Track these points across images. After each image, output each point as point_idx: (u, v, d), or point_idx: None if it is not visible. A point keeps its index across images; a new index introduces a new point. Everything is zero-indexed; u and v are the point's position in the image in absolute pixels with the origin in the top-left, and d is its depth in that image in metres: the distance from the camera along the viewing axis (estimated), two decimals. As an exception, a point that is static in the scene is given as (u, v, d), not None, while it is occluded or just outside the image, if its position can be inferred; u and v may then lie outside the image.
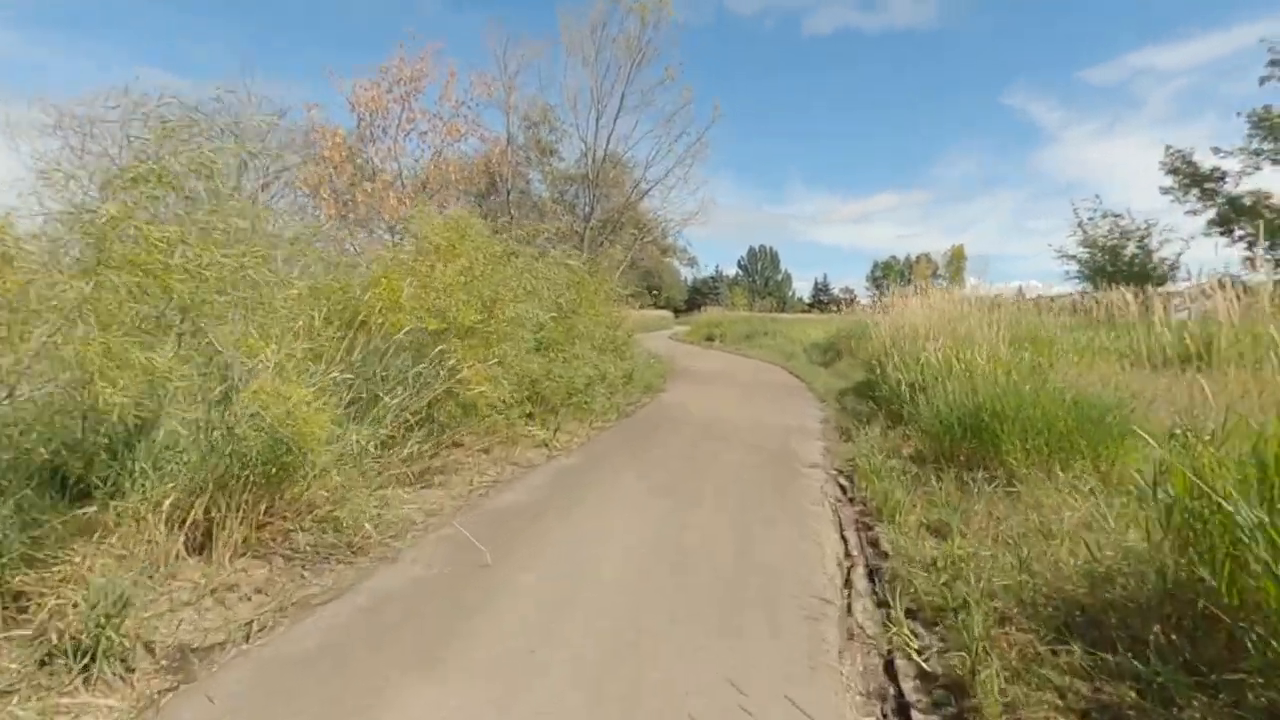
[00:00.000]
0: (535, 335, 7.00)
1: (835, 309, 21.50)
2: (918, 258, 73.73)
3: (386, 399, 4.36)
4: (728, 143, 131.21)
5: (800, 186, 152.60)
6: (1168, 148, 13.99)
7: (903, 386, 6.65)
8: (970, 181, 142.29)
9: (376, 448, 4.02)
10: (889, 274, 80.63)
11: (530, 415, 6.84)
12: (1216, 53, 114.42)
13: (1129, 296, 11.13)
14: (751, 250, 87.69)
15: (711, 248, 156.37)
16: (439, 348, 4.81)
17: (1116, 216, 14.44)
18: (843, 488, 5.06)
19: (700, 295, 68.40)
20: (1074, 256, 15.23)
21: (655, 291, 62.65)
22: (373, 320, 4.63)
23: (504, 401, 5.03)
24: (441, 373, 4.80)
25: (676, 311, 59.34)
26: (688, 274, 69.79)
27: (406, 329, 4.71)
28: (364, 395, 4.35)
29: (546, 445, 6.31)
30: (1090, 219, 14.84)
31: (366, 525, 3.55)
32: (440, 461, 5.40)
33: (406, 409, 4.71)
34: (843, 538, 3.97)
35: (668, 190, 14.19)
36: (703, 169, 16.29)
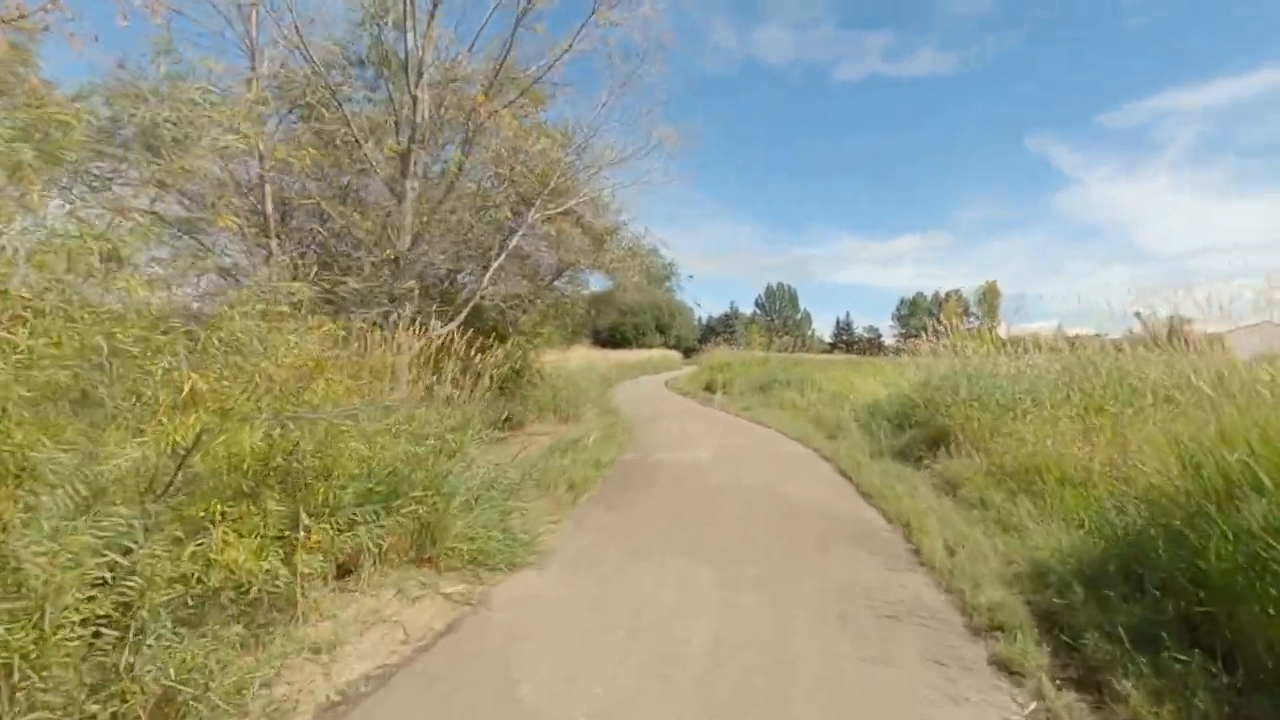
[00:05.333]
0: None
1: (891, 351, 14.93)
2: (947, 295, 67.11)
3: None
4: (749, 188, 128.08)
5: (821, 229, 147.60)
6: None
7: None
8: (990, 224, 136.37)
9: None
10: (916, 312, 73.38)
11: None
12: (1238, 94, 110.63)
13: None
14: (769, 288, 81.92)
15: (729, 287, 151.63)
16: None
17: None
18: None
19: (715, 335, 61.78)
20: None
21: (662, 330, 56.25)
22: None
23: None
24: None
25: (688, 351, 53.08)
26: (700, 314, 63.39)
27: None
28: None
29: None
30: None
31: None
32: None
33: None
34: None
35: (599, 124, 7.65)
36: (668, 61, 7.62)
